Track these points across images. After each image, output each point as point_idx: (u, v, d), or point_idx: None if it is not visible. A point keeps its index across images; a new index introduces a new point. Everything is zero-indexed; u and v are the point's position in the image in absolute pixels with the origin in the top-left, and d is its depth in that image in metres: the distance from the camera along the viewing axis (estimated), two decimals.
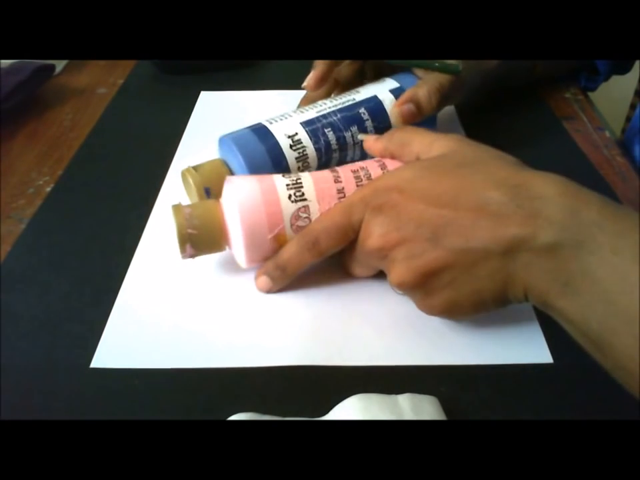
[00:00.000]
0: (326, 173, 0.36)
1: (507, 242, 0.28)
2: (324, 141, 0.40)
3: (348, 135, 0.40)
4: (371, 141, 0.38)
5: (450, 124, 0.53)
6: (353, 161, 0.41)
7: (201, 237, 0.35)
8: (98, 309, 0.36)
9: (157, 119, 0.56)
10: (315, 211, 0.35)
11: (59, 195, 0.46)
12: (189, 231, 0.34)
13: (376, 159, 0.38)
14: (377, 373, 0.32)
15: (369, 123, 0.41)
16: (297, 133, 0.39)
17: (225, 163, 0.40)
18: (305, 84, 0.43)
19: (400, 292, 0.33)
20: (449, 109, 0.55)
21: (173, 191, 0.45)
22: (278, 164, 0.38)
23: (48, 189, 0.46)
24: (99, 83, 0.63)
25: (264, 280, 0.36)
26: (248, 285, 0.37)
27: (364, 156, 0.41)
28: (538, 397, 0.31)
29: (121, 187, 0.46)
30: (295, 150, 0.39)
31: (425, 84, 0.42)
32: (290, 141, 0.39)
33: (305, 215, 0.34)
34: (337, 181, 0.35)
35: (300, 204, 0.34)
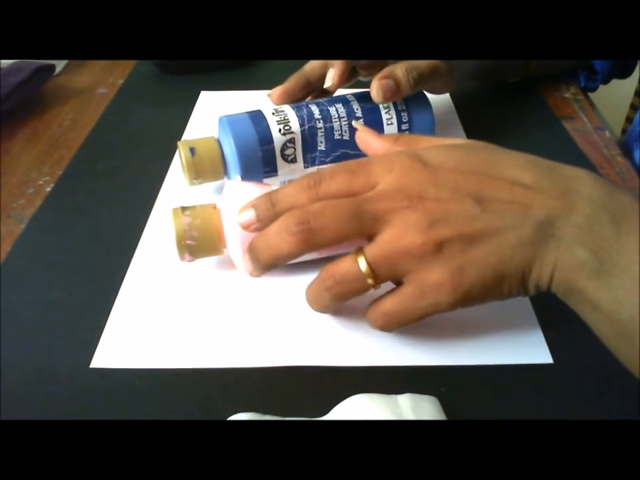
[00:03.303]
0: None
1: (544, 212, 0.27)
2: (306, 111, 0.42)
3: (332, 109, 0.42)
4: (372, 138, 0.35)
5: (450, 123, 0.53)
6: (340, 135, 0.42)
7: (199, 247, 0.35)
8: (98, 309, 0.36)
9: (157, 119, 0.56)
10: None
11: (58, 195, 0.46)
12: (188, 242, 0.35)
13: None
14: (377, 373, 0.32)
15: (354, 104, 0.43)
16: (281, 107, 0.42)
17: (216, 140, 0.42)
18: (328, 84, 0.44)
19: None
20: (450, 111, 0.55)
21: (173, 191, 0.45)
22: (259, 126, 0.41)
23: (48, 189, 0.46)
24: (99, 83, 0.63)
25: (248, 213, 0.31)
26: (248, 285, 0.37)
27: (352, 132, 0.42)
28: (538, 396, 0.30)
29: (121, 186, 0.46)
30: (275, 115, 0.41)
31: (402, 63, 0.43)
32: (273, 110, 0.42)
33: None
34: None
35: None
